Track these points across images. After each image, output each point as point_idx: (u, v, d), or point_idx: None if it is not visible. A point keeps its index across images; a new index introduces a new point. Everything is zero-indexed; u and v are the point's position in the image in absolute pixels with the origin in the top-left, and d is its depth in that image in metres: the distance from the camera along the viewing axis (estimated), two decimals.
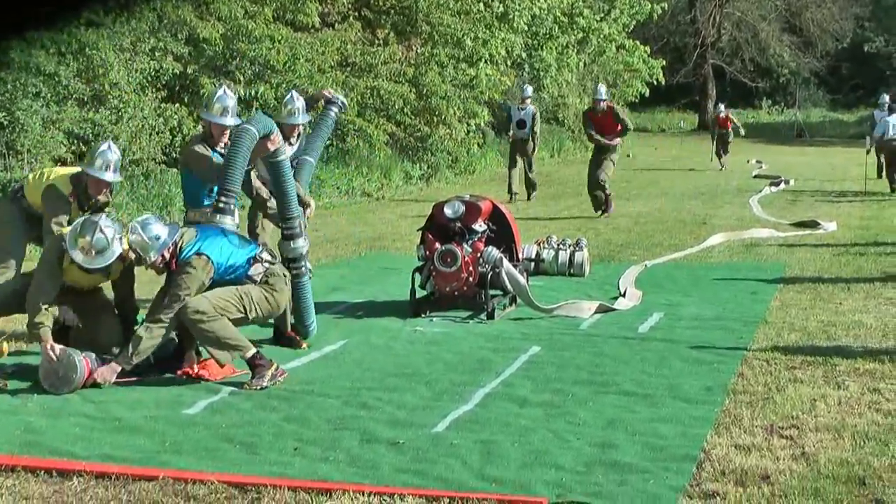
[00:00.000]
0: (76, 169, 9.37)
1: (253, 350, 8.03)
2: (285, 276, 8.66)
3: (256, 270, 8.34)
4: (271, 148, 8.84)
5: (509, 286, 10.74)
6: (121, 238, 8.09)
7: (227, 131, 9.05)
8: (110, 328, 8.59)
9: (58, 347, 7.81)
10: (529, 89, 24.05)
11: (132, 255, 8.16)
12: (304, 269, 9.16)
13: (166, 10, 19.34)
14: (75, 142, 17.16)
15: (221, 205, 8.66)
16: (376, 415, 7.18)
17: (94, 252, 7.94)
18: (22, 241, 9.46)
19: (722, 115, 33.74)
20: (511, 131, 23.07)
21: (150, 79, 19.14)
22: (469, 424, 6.95)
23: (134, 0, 18.72)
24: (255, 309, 8.24)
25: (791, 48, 61.30)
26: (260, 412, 7.27)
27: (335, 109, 10.41)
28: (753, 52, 60.80)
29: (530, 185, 22.74)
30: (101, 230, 7.92)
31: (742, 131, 35.80)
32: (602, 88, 19.79)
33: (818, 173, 30.16)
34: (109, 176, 9.03)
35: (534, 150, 23.02)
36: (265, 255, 8.56)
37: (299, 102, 10.02)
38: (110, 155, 9.04)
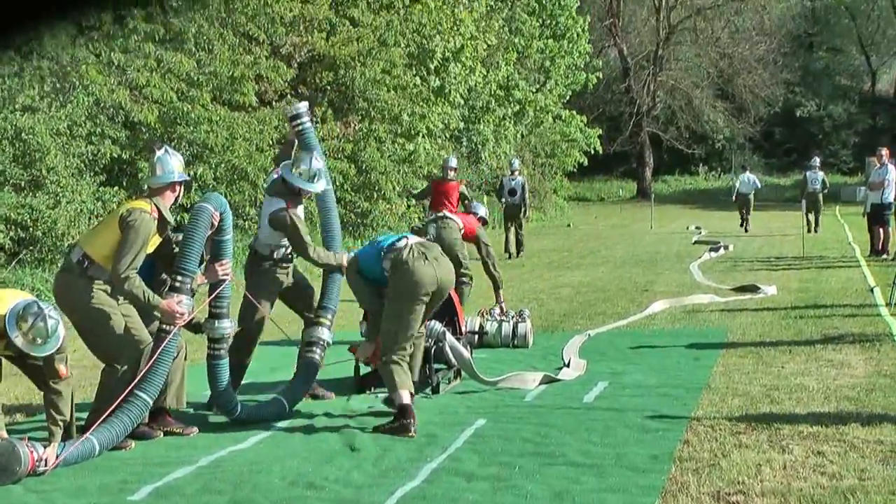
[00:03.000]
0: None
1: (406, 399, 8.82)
2: (421, 254, 9.13)
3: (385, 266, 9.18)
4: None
5: (453, 360, 10.74)
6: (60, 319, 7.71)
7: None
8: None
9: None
10: (517, 162, 27.59)
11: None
12: (223, 350, 9.17)
13: (102, 94, 19.31)
14: (13, 227, 17.03)
15: (178, 284, 8.51)
16: (323, 494, 7.12)
17: (39, 339, 7.50)
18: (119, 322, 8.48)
19: (453, 180, 20.76)
20: (504, 199, 25.86)
21: (87, 163, 19.07)
22: (417, 501, 6.91)
23: (71, 86, 18.82)
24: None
25: (725, 114, 62.26)
26: (205, 496, 7.18)
27: (306, 119, 10.16)
28: (688, 119, 61.70)
29: (519, 245, 25.50)
30: (50, 315, 7.52)
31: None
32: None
33: (756, 238, 30.48)
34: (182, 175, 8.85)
35: (524, 214, 26.07)
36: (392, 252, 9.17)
37: (317, 165, 9.77)
38: (174, 159, 8.81)
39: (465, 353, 10.74)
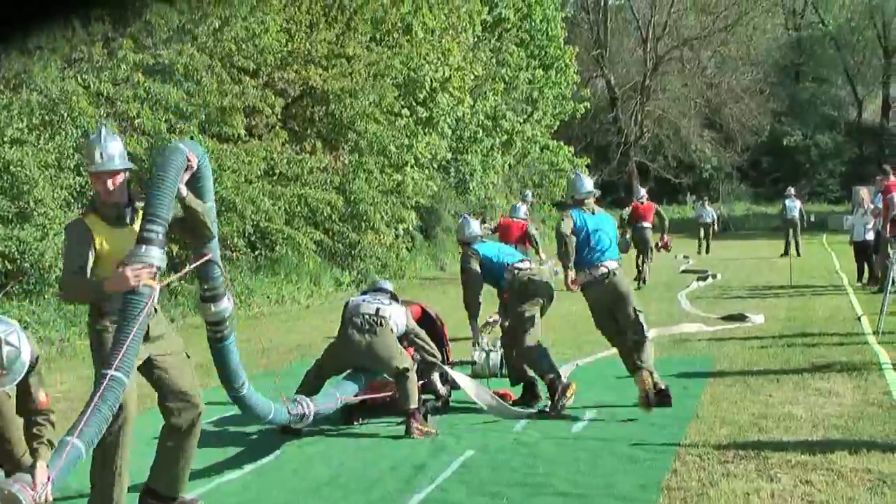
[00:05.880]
0: None
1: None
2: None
3: None
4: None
5: (442, 391, 10.87)
6: (27, 339, 6.46)
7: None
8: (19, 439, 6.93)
9: None
10: (529, 195, 27.05)
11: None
12: (227, 330, 7.80)
13: (91, 125, 19.31)
14: (0, 260, 17.00)
15: (146, 234, 6.80)
16: None
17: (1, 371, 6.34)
18: None
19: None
20: None
21: (75, 195, 19.04)
22: None
23: (59, 118, 18.84)
24: None
25: (712, 143, 62.48)
26: None
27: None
28: (675, 148, 61.95)
29: None
30: (7, 342, 6.32)
31: None
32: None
33: (744, 266, 30.56)
34: (110, 164, 7.03)
35: None
36: None
37: None
38: (108, 143, 7.06)
39: (487, 395, 10.86)
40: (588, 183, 11.82)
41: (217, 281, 7.68)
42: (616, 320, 11.35)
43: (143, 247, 6.74)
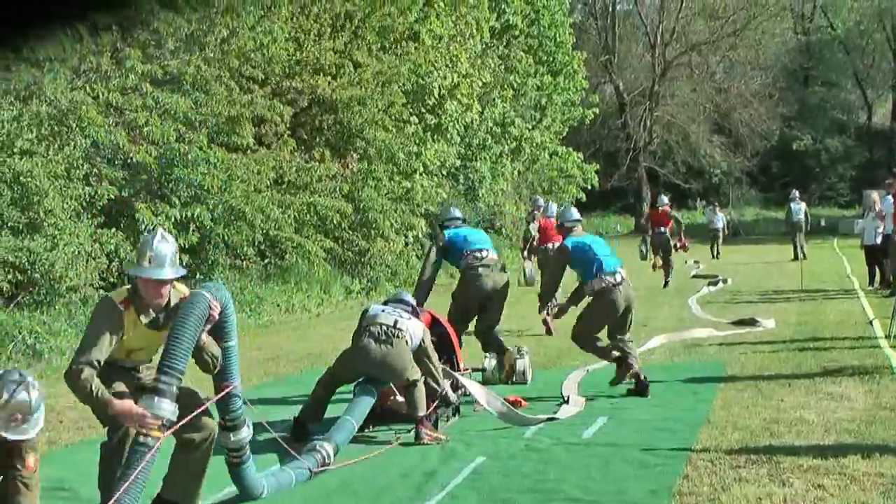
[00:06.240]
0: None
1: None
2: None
3: None
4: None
5: (453, 399, 10.84)
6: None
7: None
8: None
9: None
10: (540, 200, 26.70)
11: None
12: (245, 455, 7.88)
13: (99, 135, 19.31)
14: (10, 270, 17.01)
15: (160, 385, 6.71)
16: None
17: (19, 417, 6.06)
18: None
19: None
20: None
21: (85, 205, 19.05)
22: None
23: (68, 129, 18.85)
24: None
25: (721, 148, 62.39)
26: None
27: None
28: (685, 153, 61.87)
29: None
30: (32, 387, 6.12)
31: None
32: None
33: (754, 271, 30.51)
34: (157, 273, 6.94)
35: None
36: None
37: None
38: (160, 246, 7.00)
39: (498, 402, 10.82)
40: (575, 213, 13.10)
41: (238, 412, 7.68)
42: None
43: (156, 398, 6.64)
